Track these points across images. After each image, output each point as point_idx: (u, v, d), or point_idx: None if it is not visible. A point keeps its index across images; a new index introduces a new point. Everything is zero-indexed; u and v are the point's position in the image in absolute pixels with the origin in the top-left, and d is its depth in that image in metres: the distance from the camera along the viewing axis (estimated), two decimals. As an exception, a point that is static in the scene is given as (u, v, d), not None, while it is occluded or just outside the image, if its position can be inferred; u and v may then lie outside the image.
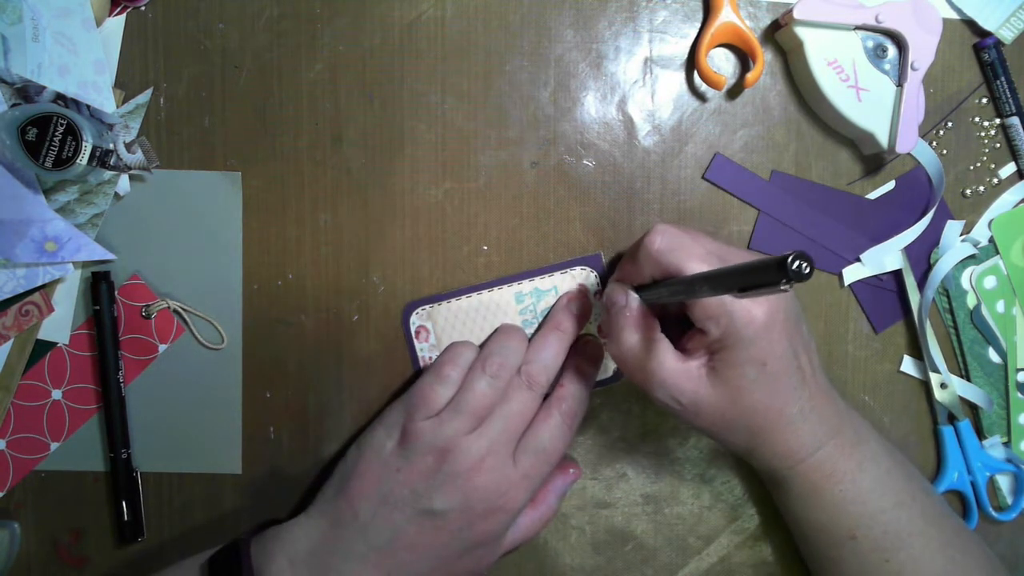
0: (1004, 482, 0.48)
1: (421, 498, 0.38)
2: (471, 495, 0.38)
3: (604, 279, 0.45)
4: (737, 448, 0.40)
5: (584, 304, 0.44)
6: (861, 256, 0.46)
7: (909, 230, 0.46)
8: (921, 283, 0.46)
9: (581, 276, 0.45)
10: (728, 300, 0.36)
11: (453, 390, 0.41)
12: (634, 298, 0.39)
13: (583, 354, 0.43)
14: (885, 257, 0.46)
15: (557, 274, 0.45)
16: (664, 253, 0.37)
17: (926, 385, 0.47)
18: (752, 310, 0.36)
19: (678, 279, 0.36)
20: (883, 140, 0.43)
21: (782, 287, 0.27)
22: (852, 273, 0.46)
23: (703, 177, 0.45)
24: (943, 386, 0.47)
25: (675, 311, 0.41)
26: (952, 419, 0.47)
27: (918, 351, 0.47)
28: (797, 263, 0.26)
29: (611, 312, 0.40)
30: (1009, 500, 0.48)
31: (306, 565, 0.38)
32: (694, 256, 0.37)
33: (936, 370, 0.46)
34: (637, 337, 0.39)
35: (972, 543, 0.42)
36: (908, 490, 0.41)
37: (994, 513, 0.47)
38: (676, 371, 0.38)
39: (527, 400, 0.41)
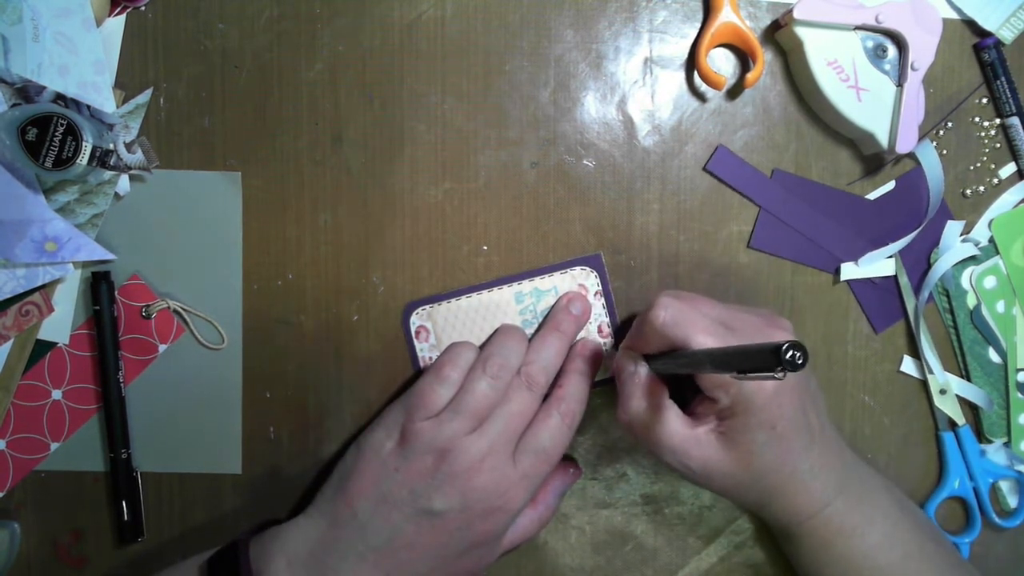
0: (1006, 487, 0.48)
1: (420, 498, 0.38)
2: (470, 495, 0.38)
3: (604, 279, 0.45)
4: (749, 507, 0.41)
5: (584, 305, 0.45)
6: (858, 261, 0.46)
7: (910, 236, 0.46)
8: (922, 283, 0.46)
9: (581, 276, 0.45)
10: None
11: (453, 391, 0.41)
12: (643, 366, 0.40)
13: (582, 354, 0.43)
14: (881, 261, 0.46)
15: (557, 274, 0.45)
16: (669, 327, 0.37)
17: (926, 385, 0.47)
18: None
19: (685, 354, 0.37)
20: (883, 140, 0.43)
21: (777, 375, 0.27)
22: (849, 271, 0.46)
23: (705, 168, 0.45)
24: (942, 392, 0.47)
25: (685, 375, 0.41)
26: (953, 425, 0.47)
27: (918, 351, 0.47)
28: (791, 353, 0.26)
29: (620, 378, 0.40)
30: (1012, 506, 0.48)
31: (304, 566, 0.38)
32: (699, 328, 0.37)
33: (931, 371, 0.46)
34: (645, 405, 0.39)
35: None
36: (916, 541, 0.41)
37: (997, 519, 0.47)
38: (685, 438, 0.38)
39: (527, 401, 0.41)
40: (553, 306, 0.45)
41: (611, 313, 0.46)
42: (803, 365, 0.26)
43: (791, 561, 0.44)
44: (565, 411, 0.41)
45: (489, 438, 0.39)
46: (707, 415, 0.38)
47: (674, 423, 0.38)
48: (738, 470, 0.38)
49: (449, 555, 0.39)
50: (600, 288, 0.45)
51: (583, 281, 0.45)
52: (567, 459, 0.46)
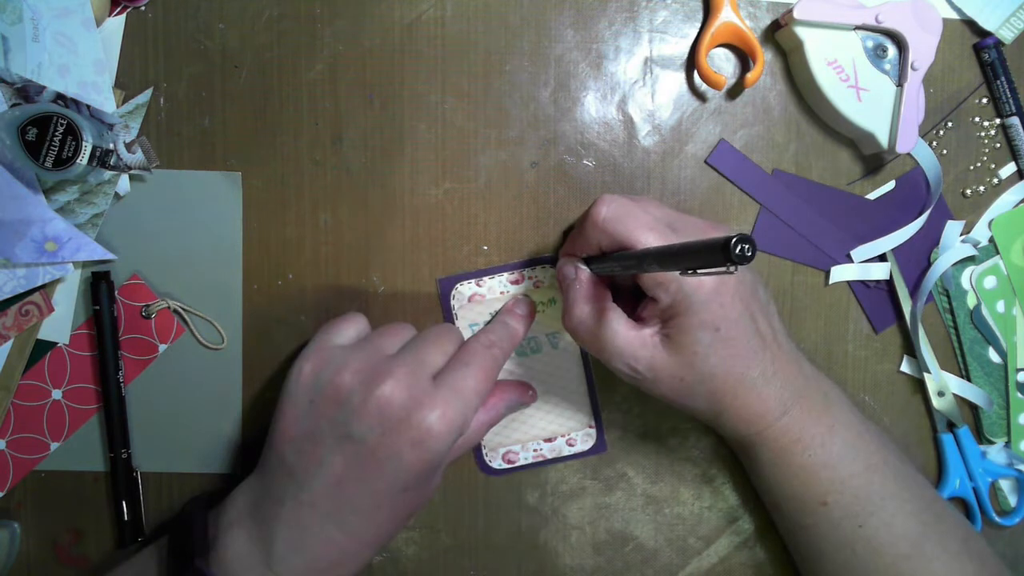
0: (1006, 486, 0.48)
1: (338, 425, 0.37)
2: (387, 412, 0.36)
3: None
4: (702, 415, 0.40)
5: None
6: (851, 253, 0.46)
7: (899, 231, 0.46)
8: (920, 283, 0.46)
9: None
10: None
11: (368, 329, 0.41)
12: (583, 270, 0.40)
13: (516, 306, 0.45)
14: (874, 264, 0.46)
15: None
16: (611, 222, 0.37)
17: (925, 385, 0.47)
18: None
19: (627, 253, 0.36)
20: (883, 140, 0.43)
21: (728, 269, 0.27)
22: (838, 273, 0.46)
23: (706, 161, 0.45)
24: (940, 394, 0.47)
25: (628, 281, 0.41)
26: (951, 426, 0.47)
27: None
28: (740, 247, 0.26)
29: (563, 286, 0.41)
30: (1012, 504, 0.48)
31: (251, 517, 0.38)
32: (642, 225, 0.37)
33: (928, 370, 0.46)
34: (589, 308, 0.39)
35: (945, 509, 0.41)
36: (879, 454, 0.41)
37: (997, 518, 0.47)
38: (630, 339, 0.38)
39: (444, 335, 0.41)
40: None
41: None
42: (751, 258, 0.26)
43: (752, 479, 0.44)
44: (485, 339, 0.41)
45: (401, 357, 0.38)
46: (651, 318, 0.38)
47: (619, 326, 0.38)
48: (684, 372, 0.38)
49: (386, 491, 0.37)
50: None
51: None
52: (525, 383, 0.45)
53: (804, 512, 0.41)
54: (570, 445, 0.46)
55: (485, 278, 0.45)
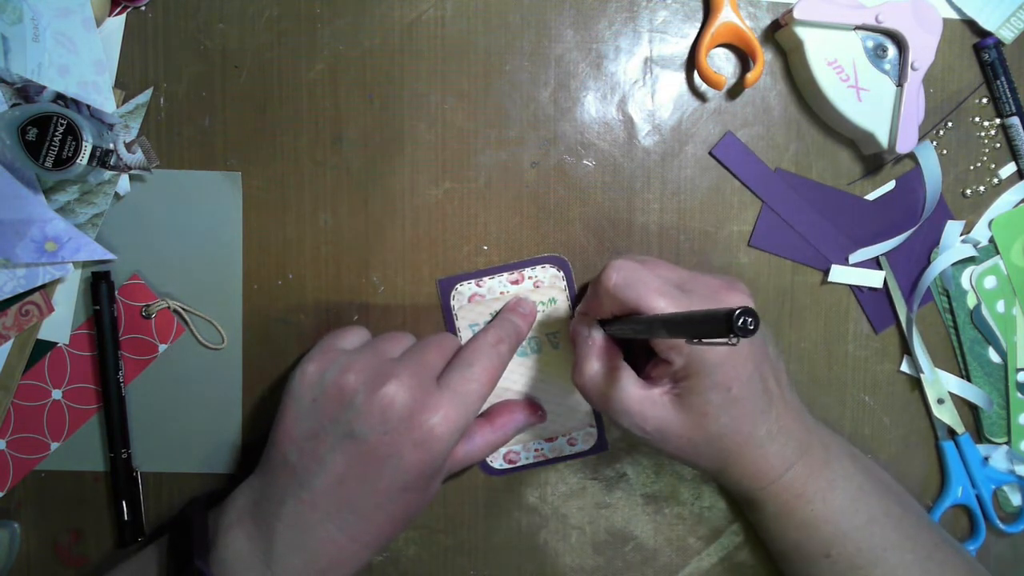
0: (1010, 492, 0.48)
1: (340, 424, 0.37)
2: (389, 412, 0.37)
3: (569, 279, 0.46)
4: (707, 471, 0.41)
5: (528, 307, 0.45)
6: (849, 258, 0.46)
7: (896, 238, 0.46)
8: (918, 282, 0.46)
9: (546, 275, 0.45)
10: None
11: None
12: (597, 330, 0.40)
13: (519, 305, 0.45)
14: (869, 271, 0.46)
15: (527, 269, 0.45)
16: (621, 289, 0.37)
17: (925, 388, 0.47)
18: None
19: (638, 319, 0.37)
20: (883, 140, 0.43)
21: (730, 341, 0.27)
22: (838, 273, 0.46)
23: (710, 153, 0.45)
24: (940, 401, 0.47)
25: (641, 340, 0.41)
26: (952, 433, 0.47)
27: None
28: (743, 319, 0.26)
29: (576, 343, 0.41)
30: (1016, 511, 0.48)
31: (251, 515, 0.38)
32: (652, 290, 0.37)
33: (922, 371, 0.46)
34: (599, 366, 0.39)
35: (953, 555, 0.41)
36: (881, 505, 0.41)
37: (1001, 525, 0.47)
38: (639, 399, 0.38)
39: (446, 340, 0.42)
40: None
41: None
42: (754, 331, 0.26)
43: (755, 528, 0.44)
44: (492, 336, 0.41)
45: (405, 359, 0.39)
46: (662, 377, 0.39)
47: (629, 385, 0.38)
48: (693, 432, 0.38)
49: (387, 491, 0.37)
50: (569, 296, 0.46)
51: (546, 282, 0.45)
52: (537, 403, 0.46)
53: (809, 564, 0.41)
54: (571, 444, 0.46)
55: (485, 278, 0.45)
